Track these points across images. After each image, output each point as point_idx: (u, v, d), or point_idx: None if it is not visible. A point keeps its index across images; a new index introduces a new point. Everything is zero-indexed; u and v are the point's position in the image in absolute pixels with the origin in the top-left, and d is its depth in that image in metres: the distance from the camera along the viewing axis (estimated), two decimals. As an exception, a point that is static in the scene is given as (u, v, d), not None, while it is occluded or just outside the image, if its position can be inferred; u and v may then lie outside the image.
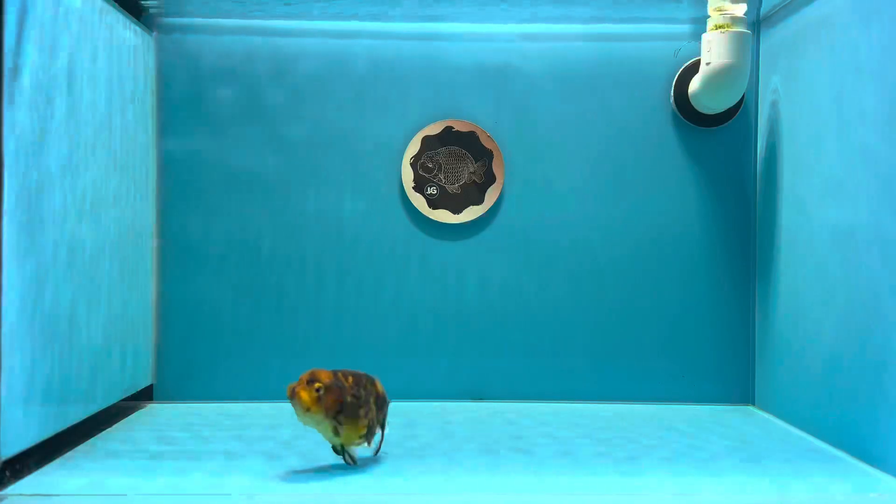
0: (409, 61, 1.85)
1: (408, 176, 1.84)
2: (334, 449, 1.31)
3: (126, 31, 1.67)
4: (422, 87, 1.85)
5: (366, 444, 1.32)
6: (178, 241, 1.83)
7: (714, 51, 1.68)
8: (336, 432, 1.27)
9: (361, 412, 1.28)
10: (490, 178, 1.84)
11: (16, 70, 1.21)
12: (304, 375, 1.25)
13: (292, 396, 1.23)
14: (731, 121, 1.83)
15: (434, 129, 1.85)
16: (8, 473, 1.22)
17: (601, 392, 1.85)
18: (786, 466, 1.37)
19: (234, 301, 1.83)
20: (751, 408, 1.83)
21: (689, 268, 1.85)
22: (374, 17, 1.83)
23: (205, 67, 1.83)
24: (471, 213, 1.84)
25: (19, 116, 1.22)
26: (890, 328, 1.30)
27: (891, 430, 1.29)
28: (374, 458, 1.37)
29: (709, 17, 1.71)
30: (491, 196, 1.84)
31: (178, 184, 1.83)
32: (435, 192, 1.84)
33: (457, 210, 1.84)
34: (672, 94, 1.84)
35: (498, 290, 1.85)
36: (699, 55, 1.75)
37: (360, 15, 1.82)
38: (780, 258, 1.72)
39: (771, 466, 1.37)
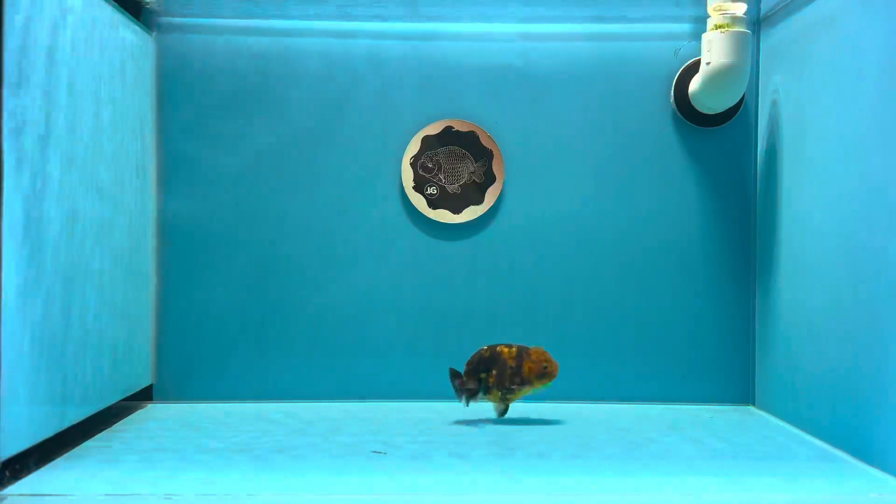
0: (409, 61, 1.85)
1: (408, 176, 1.84)
2: (503, 411, 1.65)
3: (125, 31, 1.67)
4: (422, 87, 1.85)
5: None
6: (179, 241, 1.83)
7: (714, 51, 1.68)
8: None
9: None
10: (490, 178, 1.84)
11: (16, 70, 1.21)
12: (541, 354, 1.61)
13: (552, 370, 1.61)
14: (731, 121, 1.83)
15: (434, 128, 1.85)
16: (8, 473, 1.22)
17: (600, 392, 1.85)
18: (786, 466, 1.37)
19: (234, 301, 1.83)
20: (751, 408, 1.83)
21: (690, 268, 1.85)
22: (374, 17, 1.83)
23: (205, 67, 1.83)
24: (471, 213, 1.84)
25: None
26: (890, 328, 1.30)
27: (891, 430, 1.29)
28: (372, 457, 1.37)
29: (709, 16, 1.71)
30: (491, 196, 1.84)
31: (177, 183, 1.83)
32: (435, 191, 1.84)
33: (457, 210, 1.84)
34: (672, 94, 1.84)
35: (498, 290, 1.85)
36: (699, 55, 1.75)
37: (359, 15, 1.82)
38: (780, 258, 1.72)
39: (771, 466, 1.37)
